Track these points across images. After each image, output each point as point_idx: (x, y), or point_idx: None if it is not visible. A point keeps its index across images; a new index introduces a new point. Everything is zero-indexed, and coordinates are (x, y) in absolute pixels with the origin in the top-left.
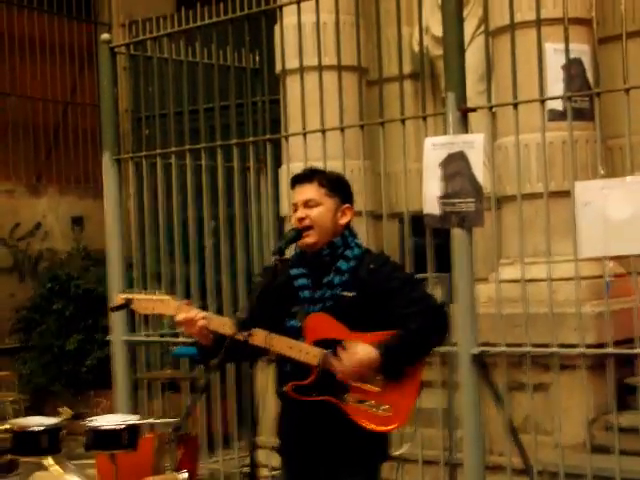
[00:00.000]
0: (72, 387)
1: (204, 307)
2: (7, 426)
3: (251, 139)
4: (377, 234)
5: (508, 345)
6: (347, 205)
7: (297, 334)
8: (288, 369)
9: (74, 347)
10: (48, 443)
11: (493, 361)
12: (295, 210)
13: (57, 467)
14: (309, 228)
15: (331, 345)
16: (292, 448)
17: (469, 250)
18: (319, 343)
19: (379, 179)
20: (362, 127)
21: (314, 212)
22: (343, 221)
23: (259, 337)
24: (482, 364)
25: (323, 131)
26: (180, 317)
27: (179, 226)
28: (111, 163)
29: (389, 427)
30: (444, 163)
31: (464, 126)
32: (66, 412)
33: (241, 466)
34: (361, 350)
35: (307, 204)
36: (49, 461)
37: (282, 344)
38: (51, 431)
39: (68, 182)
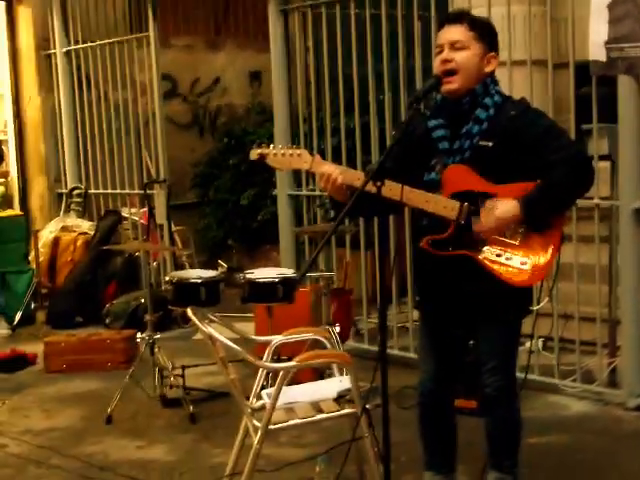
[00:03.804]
0: (245, 242)
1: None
2: (167, 278)
3: None
4: (544, 84)
5: None
6: (493, 53)
7: (435, 187)
8: (425, 223)
9: (248, 202)
10: (206, 295)
11: None
12: (440, 52)
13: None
14: (452, 73)
15: (470, 198)
16: (431, 303)
17: (637, 98)
18: (457, 196)
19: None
20: None
21: (460, 55)
22: (488, 69)
23: (394, 190)
24: None
25: None
26: (318, 172)
27: (357, 78)
28: (277, 14)
29: (529, 281)
30: (612, 4)
31: None
32: (222, 266)
33: (403, 322)
34: (500, 206)
35: (454, 46)
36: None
37: (418, 197)
38: (209, 283)
39: (247, 36)
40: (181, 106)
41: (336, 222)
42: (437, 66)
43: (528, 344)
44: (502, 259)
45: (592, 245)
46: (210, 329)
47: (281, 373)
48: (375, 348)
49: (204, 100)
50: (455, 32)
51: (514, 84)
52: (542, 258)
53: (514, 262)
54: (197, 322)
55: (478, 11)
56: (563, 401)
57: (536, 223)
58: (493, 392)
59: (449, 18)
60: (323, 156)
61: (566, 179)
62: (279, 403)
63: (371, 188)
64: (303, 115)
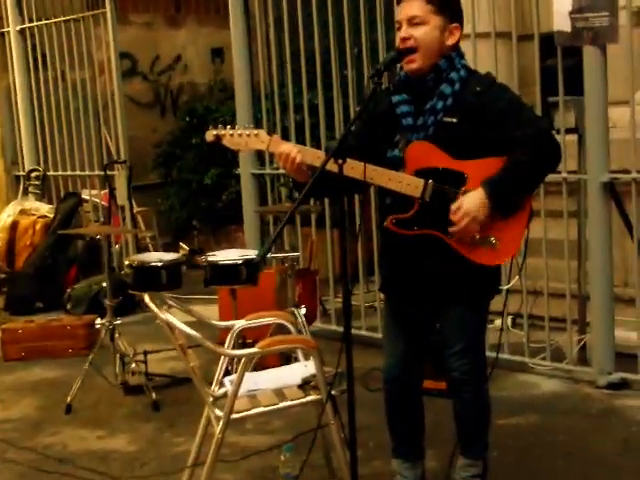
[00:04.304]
0: (210, 222)
1: None
2: (127, 262)
3: None
4: (509, 56)
5: None
6: (455, 24)
7: (398, 164)
8: (389, 202)
9: (211, 182)
10: (167, 279)
11: (628, 189)
12: (399, 28)
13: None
14: (413, 51)
15: (434, 175)
16: (395, 285)
17: (602, 70)
18: (421, 173)
19: None
20: None
21: (419, 31)
22: (450, 42)
23: (356, 169)
24: (613, 192)
25: None
26: (276, 152)
27: (319, 54)
28: None
29: (498, 260)
30: None
31: None
32: (184, 248)
33: (371, 302)
34: (466, 202)
35: (411, 21)
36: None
37: (381, 176)
38: (170, 267)
39: (207, 12)
40: (141, 85)
41: (295, 203)
42: (397, 43)
43: (498, 322)
44: (471, 238)
45: (560, 220)
46: (168, 315)
47: (243, 360)
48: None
49: (165, 78)
50: (412, 7)
51: (478, 57)
52: (511, 236)
53: (484, 242)
54: (154, 309)
55: None
56: (533, 380)
57: (505, 207)
58: (461, 376)
59: None
60: (286, 133)
61: (531, 158)
62: (242, 391)
63: (332, 167)
64: (265, 92)
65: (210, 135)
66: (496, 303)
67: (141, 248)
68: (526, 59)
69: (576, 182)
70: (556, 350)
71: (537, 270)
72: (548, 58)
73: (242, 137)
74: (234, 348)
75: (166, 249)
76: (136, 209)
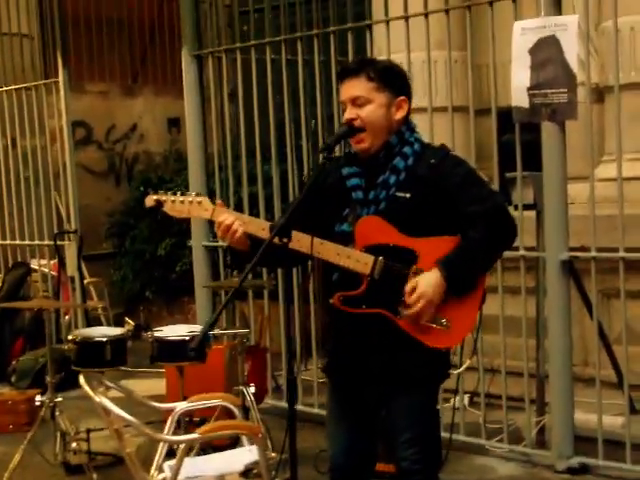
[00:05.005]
0: (164, 294)
1: None
2: (70, 337)
3: (333, 28)
4: (466, 131)
5: (600, 250)
6: (402, 97)
7: (347, 239)
8: (335, 278)
9: (165, 252)
10: (112, 354)
11: (587, 267)
12: (344, 109)
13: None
14: (361, 130)
15: (384, 252)
16: (340, 366)
17: (561, 146)
18: (370, 249)
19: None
20: (447, 12)
21: (364, 111)
22: (399, 116)
23: (303, 242)
24: (572, 270)
25: (406, 18)
26: (218, 221)
27: (274, 125)
28: (190, 59)
29: (449, 343)
30: (534, 49)
31: (557, 7)
32: (129, 323)
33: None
34: (420, 280)
35: (355, 102)
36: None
37: (329, 250)
38: (115, 342)
39: (165, 82)
40: (96, 153)
41: (240, 279)
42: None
43: (453, 401)
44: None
45: (519, 297)
46: (103, 399)
47: (182, 446)
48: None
49: (120, 147)
50: (354, 87)
51: (436, 131)
52: (464, 317)
53: (435, 322)
54: (90, 392)
55: (398, 56)
56: (490, 463)
57: (461, 287)
58: (410, 465)
59: (345, 71)
60: (240, 205)
61: (486, 236)
62: (182, 477)
63: (277, 240)
64: (219, 163)
65: (150, 200)
66: (451, 381)
67: (92, 319)
68: (484, 134)
69: (535, 259)
70: (515, 431)
71: (494, 347)
72: (506, 133)
73: (184, 204)
74: (177, 429)
75: (118, 320)
76: (88, 279)
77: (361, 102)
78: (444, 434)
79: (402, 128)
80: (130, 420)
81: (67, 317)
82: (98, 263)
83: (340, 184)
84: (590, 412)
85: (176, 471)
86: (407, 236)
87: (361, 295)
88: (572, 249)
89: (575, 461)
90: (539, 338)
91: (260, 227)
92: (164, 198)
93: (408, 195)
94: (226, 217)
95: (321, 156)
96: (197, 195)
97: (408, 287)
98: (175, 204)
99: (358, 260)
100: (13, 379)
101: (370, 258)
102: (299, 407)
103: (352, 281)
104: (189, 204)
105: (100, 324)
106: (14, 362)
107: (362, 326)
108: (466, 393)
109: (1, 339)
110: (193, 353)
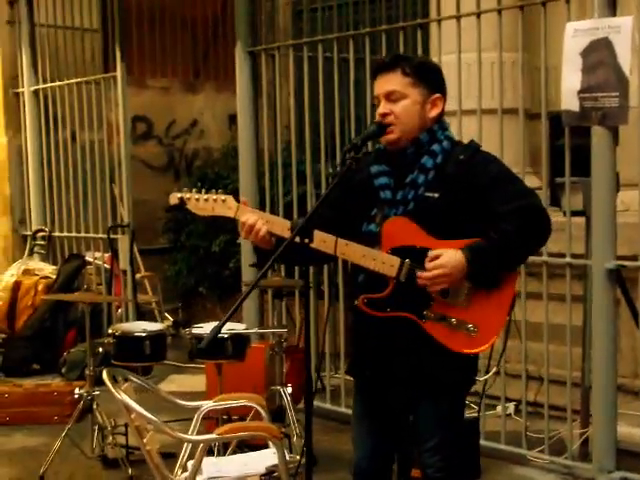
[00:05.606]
0: (217, 289)
1: None
2: (110, 331)
3: (400, 24)
4: (516, 133)
5: None
6: (437, 95)
7: (374, 240)
8: (361, 280)
9: (219, 249)
10: (151, 349)
11: (635, 276)
12: (377, 104)
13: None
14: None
15: (411, 254)
16: (365, 370)
17: (611, 151)
18: (397, 251)
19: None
20: (499, 12)
21: (398, 107)
22: (433, 114)
23: (327, 243)
24: (619, 279)
25: (458, 17)
26: (242, 220)
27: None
28: (244, 55)
29: (476, 349)
30: (586, 52)
31: (611, 8)
32: (168, 319)
33: None
34: (445, 253)
35: (389, 97)
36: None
37: (354, 252)
38: (154, 337)
39: (226, 79)
40: (156, 148)
41: (258, 275)
42: (377, 118)
43: (499, 408)
44: (448, 324)
45: (566, 304)
46: (124, 396)
47: (200, 446)
48: (339, 408)
49: (180, 143)
50: (389, 82)
51: (484, 134)
52: (491, 323)
53: (461, 327)
54: (111, 388)
55: (449, 58)
56: (530, 474)
57: (482, 278)
58: (435, 473)
59: (381, 66)
60: (289, 205)
61: (517, 231)
62: (203, 477)
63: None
64: (270, 161)
65: (174, 198)
66: (495, 388)
67: (144, 313)
68: (539, 137)
69: (583, 266)
70: (558, 441)
71: (542, 355)
72: (561, 137)
73: (208, 202)
74: (201, 429)
75: (171, 314)
76: (143, 273)
77: (396, 97)
78: (487, 443)
79: (434, 126)
80: (149, 418)
81: (120, 310)
82: (155, 257)
83: (368, 182)
84: (635, 426)
85: (194, 471)
86: (435, 238)
87: (386, 298)
88: (621, 257)
89: (617, 475)
90: (585, 347)
91: (285, 227)
92: (188, 196)
93: (437, 195)
94: (249, 216)
95: (347, 156)
96: (222, 193)
97: (432, 253)
98: (199, 202)
99: (384, 262)
100: (64, 370)
101: (396, 260)
102: (341, 409)
103: (378, 283)
104: (213, 202)
105: (153, 318)
106: (65, 353)
107: (387, 329)
108: (512, 401)
109: (55, 330)
110: (199, 352)
